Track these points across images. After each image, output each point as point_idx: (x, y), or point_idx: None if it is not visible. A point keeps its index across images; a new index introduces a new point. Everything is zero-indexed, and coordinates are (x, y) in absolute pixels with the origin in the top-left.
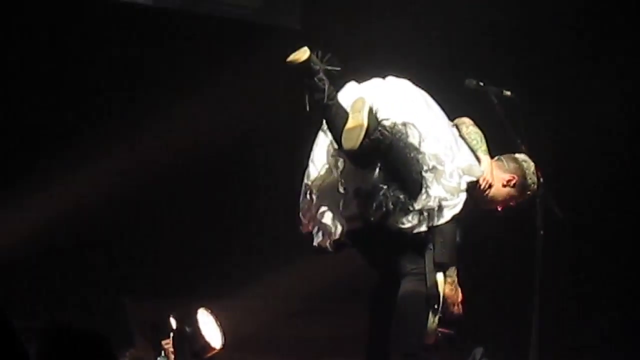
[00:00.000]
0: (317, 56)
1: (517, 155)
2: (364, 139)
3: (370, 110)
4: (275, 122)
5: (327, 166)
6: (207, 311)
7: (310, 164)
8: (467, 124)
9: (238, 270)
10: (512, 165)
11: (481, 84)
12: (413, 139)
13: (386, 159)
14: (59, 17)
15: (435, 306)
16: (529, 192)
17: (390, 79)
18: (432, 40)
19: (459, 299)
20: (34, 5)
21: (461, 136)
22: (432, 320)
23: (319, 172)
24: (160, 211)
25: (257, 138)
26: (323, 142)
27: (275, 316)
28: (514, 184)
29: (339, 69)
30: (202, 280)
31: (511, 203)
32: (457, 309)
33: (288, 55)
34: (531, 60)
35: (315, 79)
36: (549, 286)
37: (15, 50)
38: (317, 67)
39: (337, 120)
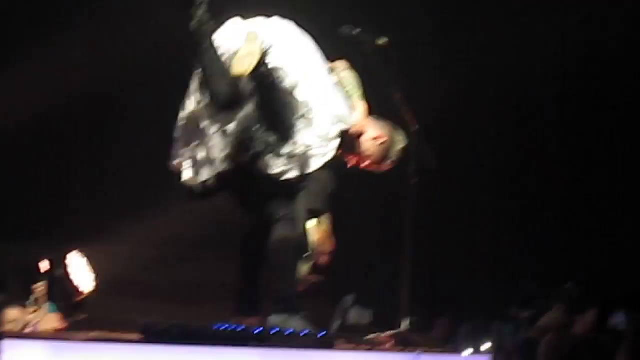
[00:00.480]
0: None
1: (395, 126)
2: (255, 69)
3: (262, 44)
4: (140, 63)
5: (201, 103)
6: (79, 255)
7: (187, 100)
8: (342, 69)
9: (111, 214)
10: (388, 128)
11: (356, 31)
12: (287, 84)
13: (261, 100)
14: None
15: (306, 254)
16: (386, 162)
17: (275, 19)
18: None
19: (331, 247)
20: None
21: (337, 82)
22: (303, 268)
23: (193, 108)
24: (32, 153)
25: (121, 81)
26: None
27: (147, 261)
28: (381, 144)
29: None
30: (74, 224)
31: (369, 160)
32: (329, 257)
33: None
34: (406, 7)
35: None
36: (420, 236)
37: None
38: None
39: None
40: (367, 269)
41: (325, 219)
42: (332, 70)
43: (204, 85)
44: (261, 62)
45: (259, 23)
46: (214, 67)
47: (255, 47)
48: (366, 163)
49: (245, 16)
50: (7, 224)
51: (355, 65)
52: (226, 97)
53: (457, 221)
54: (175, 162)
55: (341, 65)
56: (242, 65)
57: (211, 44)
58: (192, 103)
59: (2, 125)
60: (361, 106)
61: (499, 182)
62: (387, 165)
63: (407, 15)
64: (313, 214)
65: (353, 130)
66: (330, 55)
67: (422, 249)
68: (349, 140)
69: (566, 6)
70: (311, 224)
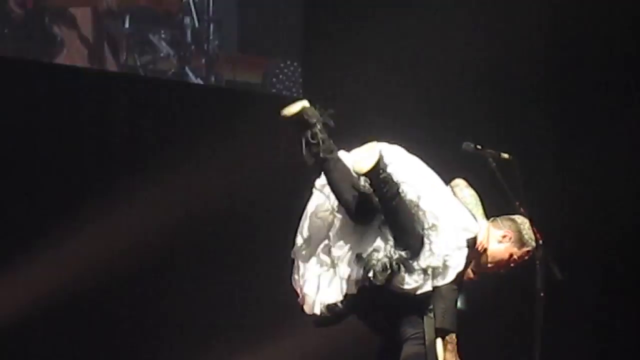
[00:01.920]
0: (316, 109)
1: (512, 215)
2: (376, 165)
3: (380, 150)
4: (276, 191)
5: (315, 232)
6: None
7: (298, 235)
8: (462, 186)
9: (238, 342)
10: (506, 222)
11: (479, 147)
12: (412, 196)
13: (388, 212)
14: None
15: None
16: (526, 248)
17: (383, 144)
18: (431, 104)
19: None
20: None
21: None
22: None
23: (304, 240)
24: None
25: (253, 211)
26: (312, 207)
27: None
28: (510, 239)
29: (332, 124)
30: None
31: (511, 259)
32: None
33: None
34: (530, 122)
35: (311, 132)
36: (550, 349)
37: None
38: (314, 120)
39: (335, 174)
40: None
41: (453, 338)
42: (451, 188)
43: (333, 208)
44: (381, 166)
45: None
46: (343, 178)
47: (374, 149)
48: (510, 261)
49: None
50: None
51: (476, 182)
52: (358, 206)
53: (588, 336)
54: (300, 297)
55: (461, 182)
56: (364, 163)
57: (338, 158)
58: (306, 230)
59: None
60: (483, 223)
61: (628, 288)
62: (527, 252)
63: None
64: (442, 332)
65: (479, 246)
66: (454, 171)
67: None
68: (475, 254)
69: None
70: (439, 343)
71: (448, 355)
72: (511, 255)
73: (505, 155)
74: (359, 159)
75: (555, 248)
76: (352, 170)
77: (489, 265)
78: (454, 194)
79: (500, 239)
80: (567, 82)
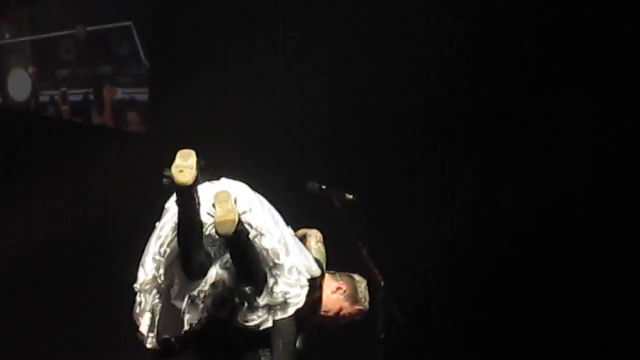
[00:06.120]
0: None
1: (352, 274)
2: (237, 225)
3: (235, 201)
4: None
5: (157, 264)
6: None
7: (140, 268)
8: (317, 240)
9: None
10: (344, 277)
11: (323, 187)
12: (253, 234)
13: (236, 252)
14: None
15: None
16: (358, 307)
17: (224, 180)
18: (272, 143)
19: None
20: None
21: (305, 245)
22: None
23: (147, 276)
24: None
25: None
26: (153, 248)
27: None
28: (344, 291)
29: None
30: None
31: (341, 313)
32: None
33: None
34: (375, 164)
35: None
36: None
37: None
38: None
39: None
40: None
41: None
42: (305, 235)
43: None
44: (239, 219)
45: (207, 187)
46: (192, 227)
47: (230, 205)
48: (339, 315)
49: None
50: None
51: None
52: (199, 265)
53: None
54: (137, 321)
55: (317, 235)
56: (226, 226)
57: (194, 196)
58: (147, 271)
59: None
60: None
61: (473, 341)
62: (358, 310)
63: (375, 171)
64: None
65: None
66: (301, 210)
67: None
68: (313, 304)
69: None
70: None
71: None
72: (341, 308)
73: (350, 196)
74: (220, 223)
75: (397, 290)
76: (215, 232)
77: (322, 313)
78: (305, 240)
79: (335, 290)
80: (411, 124)
